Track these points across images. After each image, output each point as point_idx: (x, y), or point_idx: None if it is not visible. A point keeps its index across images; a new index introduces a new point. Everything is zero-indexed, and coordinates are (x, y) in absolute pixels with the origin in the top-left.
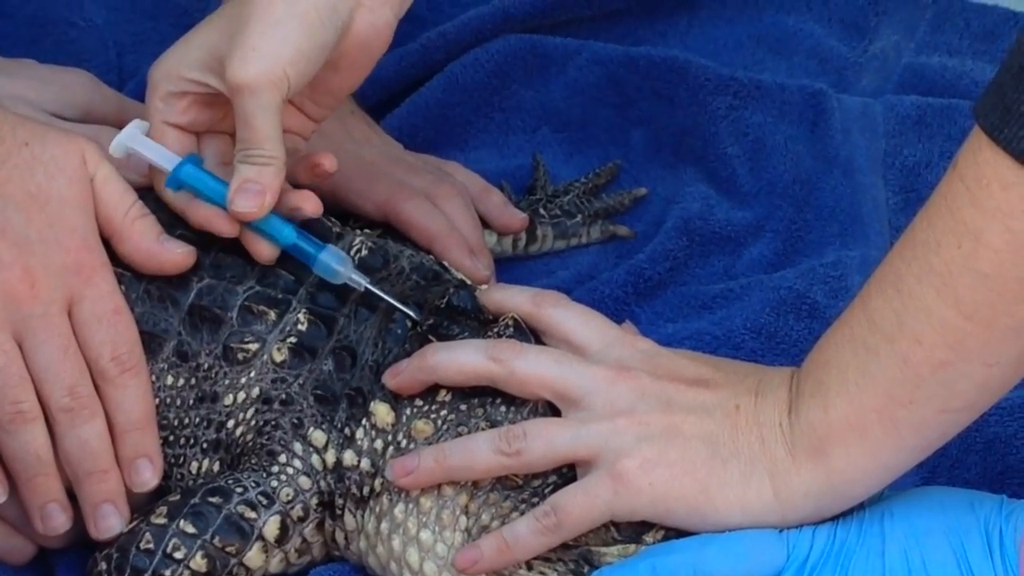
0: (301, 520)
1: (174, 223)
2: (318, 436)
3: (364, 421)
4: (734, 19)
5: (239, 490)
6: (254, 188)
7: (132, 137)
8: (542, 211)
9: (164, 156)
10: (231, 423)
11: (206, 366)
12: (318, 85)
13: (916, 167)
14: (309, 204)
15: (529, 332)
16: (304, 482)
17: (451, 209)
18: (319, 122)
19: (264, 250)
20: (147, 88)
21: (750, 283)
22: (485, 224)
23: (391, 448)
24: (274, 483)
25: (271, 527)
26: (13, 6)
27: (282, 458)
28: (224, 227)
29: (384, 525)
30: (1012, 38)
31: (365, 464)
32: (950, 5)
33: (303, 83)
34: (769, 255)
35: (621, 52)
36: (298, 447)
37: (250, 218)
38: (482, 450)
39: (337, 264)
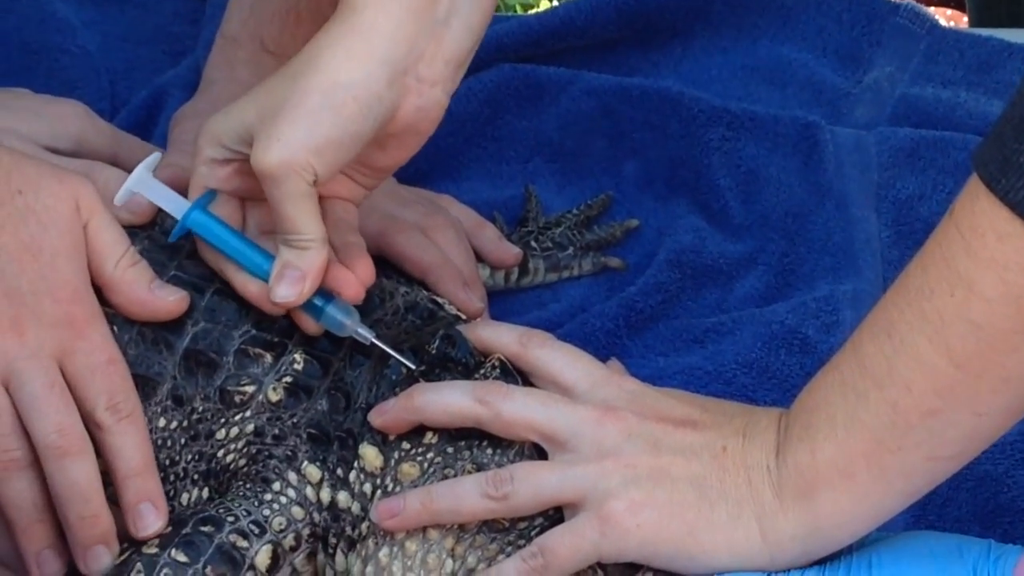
0: (292, 550)
1: (169, 262)
2: (312, 471)
3: (355, 464)
4: (728, 49)
5: (231, 519)
6: (294, 275)
7: (140, 182)
8: (533, 244)
9: (174, 202)
10: (221, 452)
11: (201, 409)
12: (363, 161)
13: (909, 200)
14: (349, 290)
15: (516, 373)
16: (297, 512)
17: (444, 241)
18: (371, 189)
19: (311, 325)
20: (193, 151)
21: (742, 317)
22: (479, 258)
23: (379, 492)
24: (266, 511)
25: (263, 556)
26: (5, 33)
27: (276, 486)
28: (269, 307)
29: (369, 569)
30: (1007, 69)
31: (356, 508)
32: (944, 36)
33: (334, 171)
34: (761, 288)
35: (614, 82)
36: (292, 477)
37: (291, 306)
38: (469, 494)
39: (344, 317)
